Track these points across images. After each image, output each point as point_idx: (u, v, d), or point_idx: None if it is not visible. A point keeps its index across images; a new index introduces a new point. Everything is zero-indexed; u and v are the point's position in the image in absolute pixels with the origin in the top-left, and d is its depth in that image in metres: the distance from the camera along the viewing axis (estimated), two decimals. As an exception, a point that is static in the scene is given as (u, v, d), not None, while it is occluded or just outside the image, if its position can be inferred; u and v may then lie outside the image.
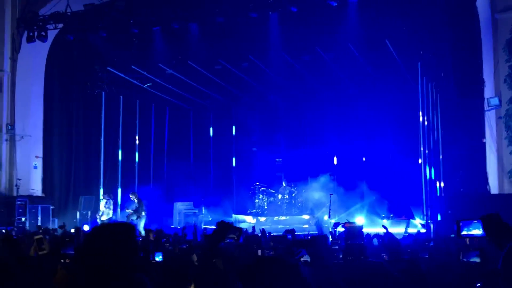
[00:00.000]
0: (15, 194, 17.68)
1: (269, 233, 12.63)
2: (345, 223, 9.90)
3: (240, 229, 3.55)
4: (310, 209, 19.51)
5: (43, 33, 17.42)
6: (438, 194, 15.84)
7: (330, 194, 17.41)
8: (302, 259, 5.61)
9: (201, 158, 24.05)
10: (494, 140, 15.11)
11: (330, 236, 12.02)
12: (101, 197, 19.71)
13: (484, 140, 15.22)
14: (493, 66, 15.22)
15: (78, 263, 3.60)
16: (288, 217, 19.48)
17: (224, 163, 23.73)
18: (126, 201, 18.61)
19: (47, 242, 6.71)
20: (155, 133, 23.49)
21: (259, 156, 22.54)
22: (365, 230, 12.10)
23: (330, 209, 16.54)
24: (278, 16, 16.09)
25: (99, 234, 2.68)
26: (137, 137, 22.46)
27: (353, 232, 7.20)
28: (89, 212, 19.24)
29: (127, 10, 17.12)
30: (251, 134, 22.79)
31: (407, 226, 16.00)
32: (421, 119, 16.44)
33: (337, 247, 8.80)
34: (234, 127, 23.89)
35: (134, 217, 17.23)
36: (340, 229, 12.39)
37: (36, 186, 18.68)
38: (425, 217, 15.93)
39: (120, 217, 19.26)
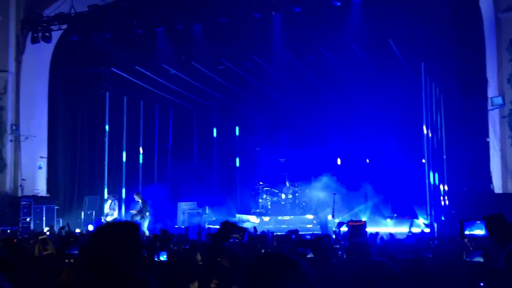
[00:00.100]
0: (19, 194, 17.76)
1: (272, 232, 12.66)
2: (349, 221, 9.93)
3: (244, 229, 3.58)
4: (313, 209, 19.53)
5: (47, 34, 17.50)
6: (442, 194, 15.83)
7: (334, 194, 17.42)
8: (307, 256, 5.64)
9: (205, 158, 24.09)
10: (497, 140, 15.09)
11: (334, 236, 12.04)
12: (106, 197, 19.77)
13: (487, 140, 15.20)
14: (496, 65, 15.20)
15: (83, 262, 3.64)
16: (291, 217, 19.49)
17: (228, 163, 23.76)
18: (130, 201, 18.65)
19: (52, 243, 6.76)
20: (159, 133, 23.56)
21: (263, 156, 22.54)
22: (369, 230, 12.13)
23: (334, 209, 16.54)
24: (281, 16, 16.11)
25: (103, 233, 2.70)
26: (141, 137, 22.52)
27: (357, 230, 7.22)
28: (94, 212, 19.30)
29: (131, 11, 17.19)
30: (254, 134, 22.80)
31: (411, 226, 16.01)
32: (424, 118, 16.42)
33: (338, 246, 8.82)
34: (237, 127, 23.92)
35: (138, 218, 17.28)
36: (344, 228, 12.41)
37: (40, 186, 18.77)
38: (428, 217, 15.93)
39: (124, 218, 19.31)
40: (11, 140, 18.03)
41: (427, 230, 15.10)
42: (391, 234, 12.58)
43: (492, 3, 15.30)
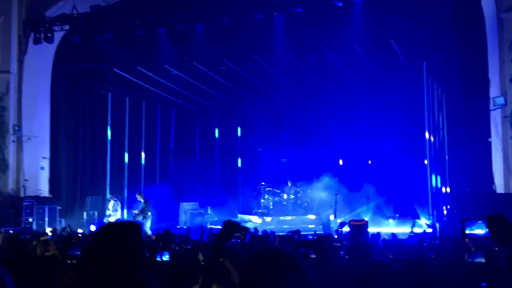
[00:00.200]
0: (22, 194, 17.80)
1: (273, 232, 12.66)
2: (350, 221, 9.91)
3: (247, 228, 3.58)
4: (315, 209, 19.52)
5: (49, 35, 17.54)
6: (444, 193, 15.82)
7: (336, 194, 17.40)
8: (310, 257, 5.64)
9: (207, 158, 24.09)
10: (499, 139, 15.08)
11: (336, 236, 12.04)
12: (108, 197, 19.79)
13: (489, 140, 15.20)
14: (498, 65, 15.20)
15: (85, 262, 3.65)
16: (293, 217, 19.49)
17: (230, 163, 23.77)
18: (132, 201, 18.67)
19: (53, 244, 6.77)
20: (161, 133, 23.58)
21: (265, 156, 22.54)
22: (371, 230, 12.12)
23: (336, 209, 16.52)
24: (283, 17, 16.12)
25: (105, 233, 2.71)
26: (143, 138, 22.54)
27: (358, 229, 7.21)
28: (96, 212, 19.32)
29: (132, 11, 17.22)
30: (256, 134, 22.80)
31: (413, 226, 15.99)
32: (426, 118, 16.41)
33: (338, 244, 8.82)
34: (239, 127, 23.93)
35: (140, 218, 17.29)
36: (346, 229, 12.40)
37: (43, 187, 18.81)
38: (431, 217, 15.91)
39: (126, 218, 19.33)
40: (13, 141, 18.07)
41: (429, 230, 15.09)
42: (393, 234, 12.58)
43: (494, 3, 15.29)
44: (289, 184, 20.67)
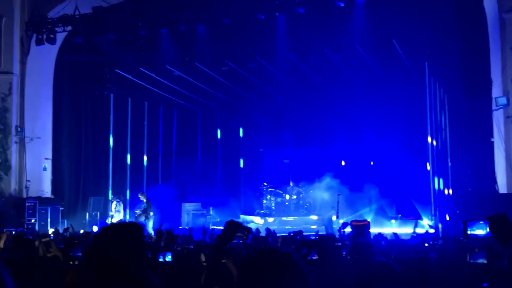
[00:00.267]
0: (24, 195, 17.83)
1: (274, 232, 12.65)
2: (352, 221, 9.91)
3: (249, 228, 3.58)
4: (318, 209, 19.51)
5: (52, 36, 17.57)
6: (446, 194, 15.80)
7: (338, 195, 17.39)
8: (312, 258, 5.64)
9: (209, 159, 24.10)
10: (502, 140, 15.06)
11: (338, 235, 12.03)
12: (110, 198, 19.81)
13: (492, 140, 15.18)
14: (500, 65, 15.18)
15: (87, 263, 3.66)
16: (296, 217, 19.49)
17: (232, 163, 23.78)
18: (134, 202, 18.68)
19: (55, 245, 6.78)
20: (163, 134, 23.59)
21: (267, 157, 22.55)
22: (373, 231, 12.09)
23: (338, 210, 16.51)
24: (285, 17, 16.12)
25: (108, 234, 2.72)
26: (145, 139, 22.56)
27: (360, 230, 7.20)
28: (98, 213, 19.35)
29: (134, 12, 17.24)
30: (258, 134, 22.80)
31: (415, 227, 15.96)
32: (428, 119, 16.39)
33: (340, 243, 8.81)
34: (241, 128, 23.94)
35: (142, 218, 17.31)
36: (348, 229, 12.39)
37: (45, 188, 18.84)
38: (433, 218, 15.89)
39: (128, 218, 19.36)
40: (16, 142, 18.10)
41: (432, 230, 15.07)
42: (395, 234, 12.55)
43: (496, 3, 15.28)
44: (291, 184, 20.68)
